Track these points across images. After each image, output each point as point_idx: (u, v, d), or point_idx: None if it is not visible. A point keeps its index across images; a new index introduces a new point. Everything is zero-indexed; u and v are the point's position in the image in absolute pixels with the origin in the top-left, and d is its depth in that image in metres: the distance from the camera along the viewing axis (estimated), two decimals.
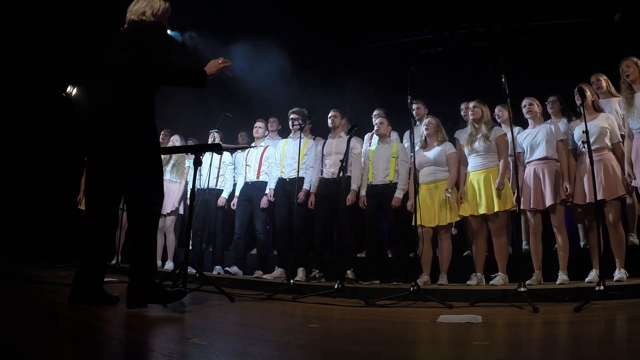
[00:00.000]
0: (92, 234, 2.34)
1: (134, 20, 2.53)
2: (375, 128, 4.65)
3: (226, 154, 5.34)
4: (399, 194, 4.32)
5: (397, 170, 4.44)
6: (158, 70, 2.42)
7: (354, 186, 4.50)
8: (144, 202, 2.38)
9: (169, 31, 2.59)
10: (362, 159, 4.65)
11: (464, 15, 6.09)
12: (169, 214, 5.33)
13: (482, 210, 3.87)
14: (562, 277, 3.53)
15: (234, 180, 5.34)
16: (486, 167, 3.96)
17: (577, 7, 5.62)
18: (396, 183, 4.40)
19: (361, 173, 4.57)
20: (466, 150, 4.09)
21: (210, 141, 5.04)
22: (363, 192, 4.53)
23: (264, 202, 4.88)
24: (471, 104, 4.15)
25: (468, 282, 3.87)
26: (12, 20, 5.67)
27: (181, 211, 5.44)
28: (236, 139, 5.87)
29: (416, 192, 3.92)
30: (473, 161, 4.04)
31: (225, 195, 5.24)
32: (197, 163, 3.14)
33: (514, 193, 3.67)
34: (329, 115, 4.80)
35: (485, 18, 6.10)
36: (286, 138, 5.07)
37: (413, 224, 3.75)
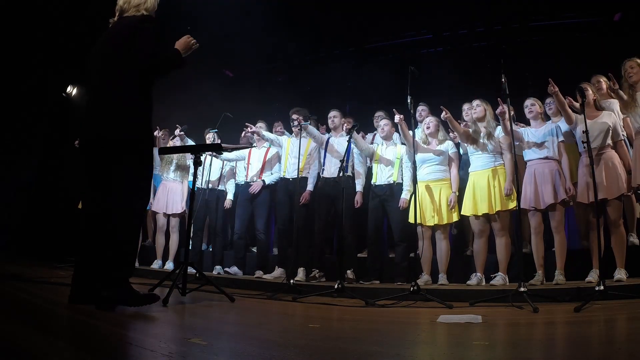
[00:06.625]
0: (87, 234, 2.32)
1: (124, 15, 2.49)
2: (380, 130, 4.62)
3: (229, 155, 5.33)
4: (405, 195, 4.30)
5: (402, 172, 4.42)
6: (144, 64, 2.37)
7: (359, 187, 4.49)
8: (128, 199, 2.32)
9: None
10: (366, 157, 4.63)
11: (464, 15, 6.09)
12: (174, 215, 5.33)
13: (484, 209, 3.86)
14: (558, 276, 3.53)
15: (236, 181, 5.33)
16: (489, 166, 3.94)
17: (577, 7, 5.62)
18: (400, 184, 4.39)
19: (365, 173, 4.56)
20: (469, 149, 4.08)
21: (211, 141, 5.02)
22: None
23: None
24: (474, 103, 4.14)
25: (468, 282, 3.87)
26: (12, 20, 5.67)
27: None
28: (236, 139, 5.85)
29: (415, 190, 3.91)
30: (476, 160, 4.03)
31: (230, 196, 5.23)
32: (197, 163, 3.15)
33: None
34: (329, 115, 4.78)
35: (485, 18, 6.11)
36: (289, 138, 5.04)
37: (412, 221, 3.74)
